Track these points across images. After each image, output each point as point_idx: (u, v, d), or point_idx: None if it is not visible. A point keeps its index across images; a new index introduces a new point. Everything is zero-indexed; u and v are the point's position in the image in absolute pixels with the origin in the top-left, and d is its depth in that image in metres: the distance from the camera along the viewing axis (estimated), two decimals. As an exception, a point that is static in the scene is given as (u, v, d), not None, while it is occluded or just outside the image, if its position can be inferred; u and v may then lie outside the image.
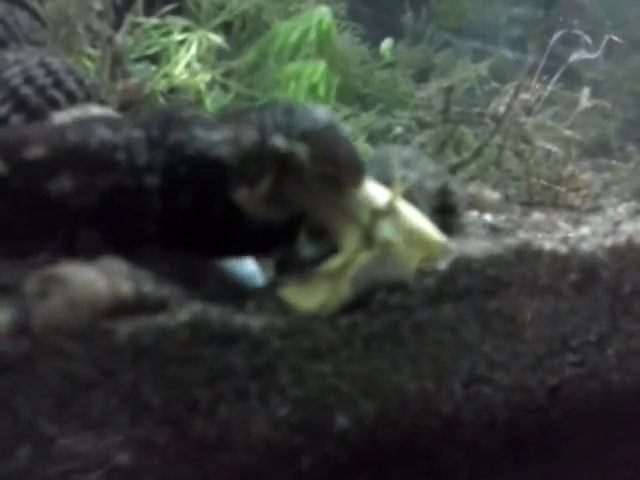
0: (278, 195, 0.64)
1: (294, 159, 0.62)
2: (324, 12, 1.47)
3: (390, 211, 0.64)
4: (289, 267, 0.68)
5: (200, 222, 0.66)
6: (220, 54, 1.39)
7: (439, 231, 0.67)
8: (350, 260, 0.64)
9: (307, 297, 0.63)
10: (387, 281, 0.64)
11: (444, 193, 0.92)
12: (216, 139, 0.64)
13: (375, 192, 0.66)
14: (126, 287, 0.58)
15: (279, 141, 0.63)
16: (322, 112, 0.67)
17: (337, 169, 0.64)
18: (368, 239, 0.64)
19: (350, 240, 0.64)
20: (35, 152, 0.64)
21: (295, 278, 0.65)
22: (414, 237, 0.65)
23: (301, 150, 0.63)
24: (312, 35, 1.43)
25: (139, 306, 0.58)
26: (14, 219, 0.64)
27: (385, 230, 0.64)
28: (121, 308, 0.57)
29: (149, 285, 0.60)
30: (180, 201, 0.64)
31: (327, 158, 0.64)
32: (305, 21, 1.45)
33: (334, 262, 0.64)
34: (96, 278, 0.57)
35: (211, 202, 0.64)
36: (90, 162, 0.64)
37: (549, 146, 1.45)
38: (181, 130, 0.65)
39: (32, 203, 0.63)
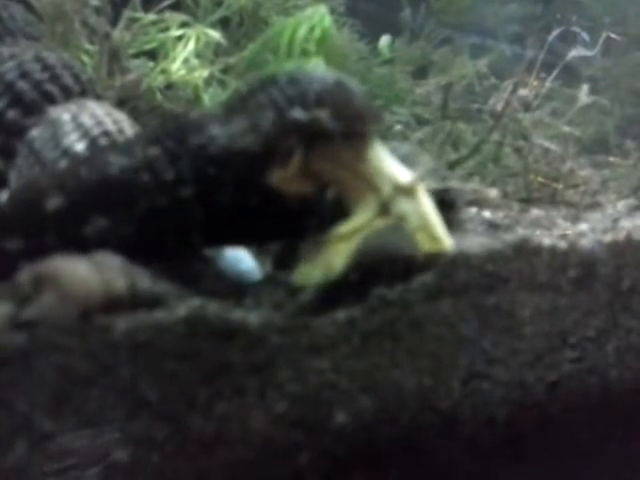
0: (309, 169, 0.63)
1: (319, 125, 0.61)
2: (323, 12, 1.46)
3: (412, 190, 0.64)
4: (289, 262, 0.68)
5: (244, 215, 0.65)
6: (218, 50, 1.39)
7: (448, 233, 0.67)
8: (362, 226, 0.63)
9: (317, 268, 0.63)
10: (393, 253, 0.64)
11: (443, 189, 0.92)
12: (235, 132, 0.63)
13: (398, 170, 0.66)
14: (120, 283, 0.58)
15: (298, 113, 0.62)
16: (325, 72, 0.66)
17: (360, 121, 0.63)
18: (384, 210, 0.64)
19: (366, 208, 0.64)
20: (54, 203, 0.63)
21: (306, 256, 0.65)
22: (426, 228, 0.65)
23: (322, 114, 0.62)
24: (315, 34, 1.42)
25: (134, 302, 0.58)
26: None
27: (404, 205, 0.64)
28: (115, 304, 0.56)
29: (145, 281, 0.60)
30: (219, 202, 0.64)
31: (348, 114, 0.63)
32: (308, 20, 1.44)
33: (345, 226, 0.64)
34: (89, 273, 0.56)
35: (249, 194, 0.64)
36: (116, 193, 0.63)
37: (547, 143, 1.45)
38: (197, 134, 0.64)
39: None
